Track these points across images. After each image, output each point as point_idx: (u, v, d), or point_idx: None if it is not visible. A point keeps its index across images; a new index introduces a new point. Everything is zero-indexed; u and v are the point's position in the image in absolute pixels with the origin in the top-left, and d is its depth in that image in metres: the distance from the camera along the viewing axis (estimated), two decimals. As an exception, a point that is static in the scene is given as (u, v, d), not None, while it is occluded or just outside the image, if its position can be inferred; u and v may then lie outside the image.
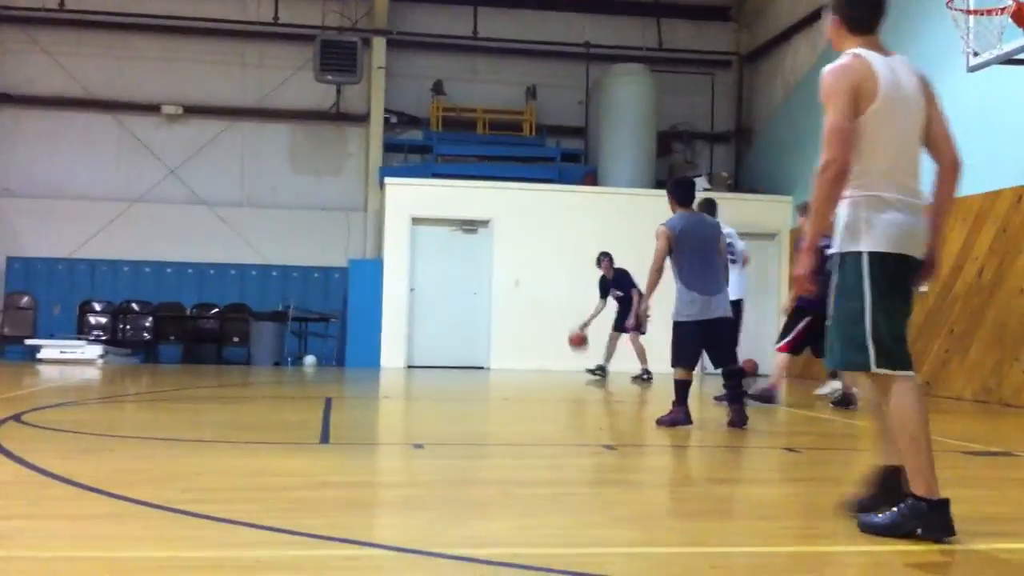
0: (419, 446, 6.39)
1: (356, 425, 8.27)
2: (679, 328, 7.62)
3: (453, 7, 18.27)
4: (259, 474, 5.22)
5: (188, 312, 16.56)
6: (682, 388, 7.59)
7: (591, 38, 18.43)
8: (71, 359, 14.75)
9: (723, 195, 16.47)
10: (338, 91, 17.66)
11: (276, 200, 17.58)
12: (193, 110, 17.49)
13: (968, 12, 8.75)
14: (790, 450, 6.83)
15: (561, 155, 17.80)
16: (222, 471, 5.35)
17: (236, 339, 16.14)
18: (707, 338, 7.62)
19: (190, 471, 5.29)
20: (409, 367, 15.23)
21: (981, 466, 6.14)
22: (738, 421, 7.54)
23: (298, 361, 15.87)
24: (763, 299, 15.31)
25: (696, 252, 7.65)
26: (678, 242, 7.60)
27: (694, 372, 7.75)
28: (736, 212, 15.42)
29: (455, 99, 18.25)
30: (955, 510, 3.71)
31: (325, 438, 6.84)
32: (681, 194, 7.89)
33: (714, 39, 19.15)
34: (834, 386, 10.01)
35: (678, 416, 7.51)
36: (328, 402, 9.37)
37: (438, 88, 18.02)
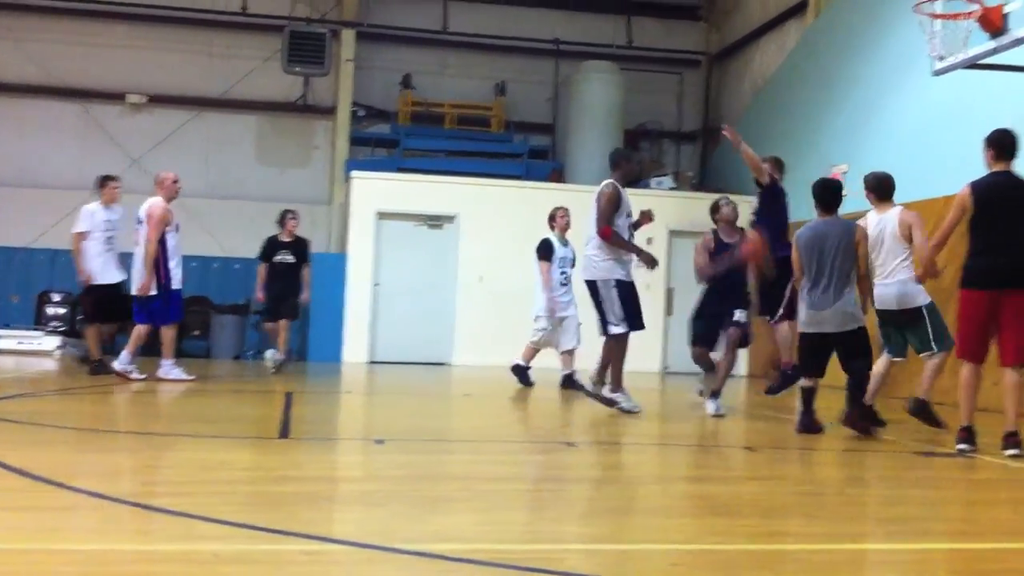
0: (380, 441, 6.36)
1: (317, 420, 8.22)
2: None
3: (423, 1, 18.20)
4: (218, 468, 5.17)
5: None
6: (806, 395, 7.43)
7: (561, 35, 18.43)
8: (28, 350, 14.55)
9: (688, 194, 16.57)
10: (306, 83, 17.53)
11: (241, 192, 17.43)
12: (159, 99, 17.29)
13: (935, 16, 8.81)
14: (749, 448, 6.86)
15: (529, 151, 17.77)
16: (180, 464, 5.30)
17: (196, 332, 15.98)
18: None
19: (148, 464, 5.23)
20: (372, 362, 15.15)
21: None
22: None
23: (259, 355, 15.73)
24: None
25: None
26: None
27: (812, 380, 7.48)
28: (700, 212, 15.48)
29: (424, 93, 18.18)
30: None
31: (285, 433, 6.80)
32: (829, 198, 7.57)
33: (683, 38, 19.20)
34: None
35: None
36: (289, 396, 9.31)
37: (407, 82, 17.94)
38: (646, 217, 9.10)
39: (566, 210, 11.06)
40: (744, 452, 6.83)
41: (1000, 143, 6.56)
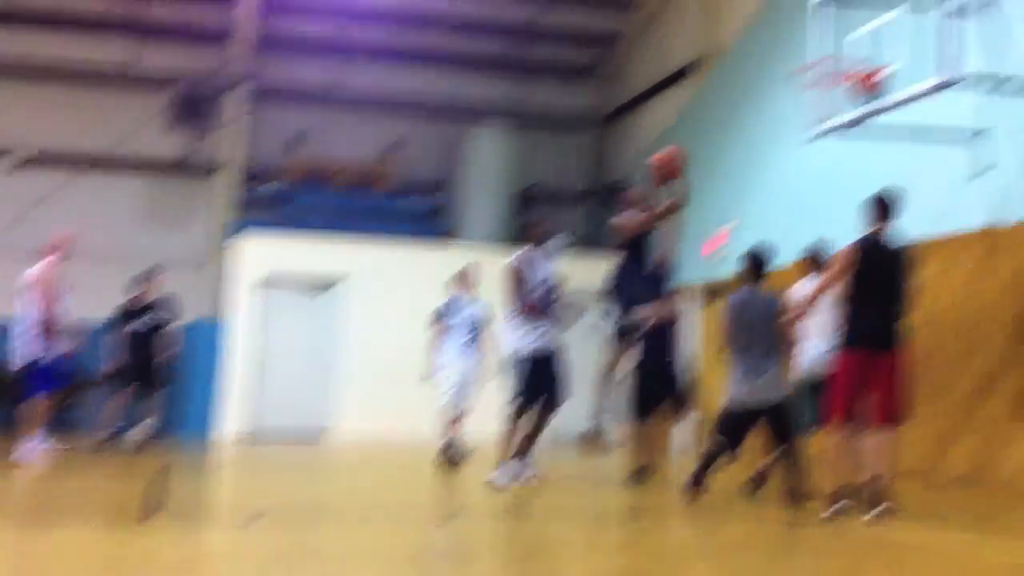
0: (258, 516, 6.09)
1: (190, 496, 7.88)
2: None
3: (317, 58, 18.08)
4: (85, 549, 4.86)
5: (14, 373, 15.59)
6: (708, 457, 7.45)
7: (455, 94, 18.49)
8: None
9: (579, 253, 16.64)
10: (194, 141, 17.20)
11: (123, 254, 16.89)
12: (39, 157, 16.76)
13: (813, 81, 9.05)
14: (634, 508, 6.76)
15: (422, 212, 17.69)
16: (40, 550, 4.97)
17: (71, 402, 15.31)
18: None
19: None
20: (251, 434, 14.66)
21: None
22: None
23: (131, 427, 15.14)
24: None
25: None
26: None
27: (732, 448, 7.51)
28: (593, 270, 15.55)
29: (315, 152, 18.00)
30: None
31: (155, 511, 6.47)
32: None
33: (575, 100, 19.44)
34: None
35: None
36: (160, 472, 8.92)
37: (298, 140, 17.75)
38: (573, 306, 8.60)
39: (474, 266, 10.71)
40: (625, 520, 6.74)
41: (876, 205, 6.72)
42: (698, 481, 7.27)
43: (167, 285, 12.18)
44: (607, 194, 18.96)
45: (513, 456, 8.16)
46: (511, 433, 8.19)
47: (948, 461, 9.24)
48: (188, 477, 9.18)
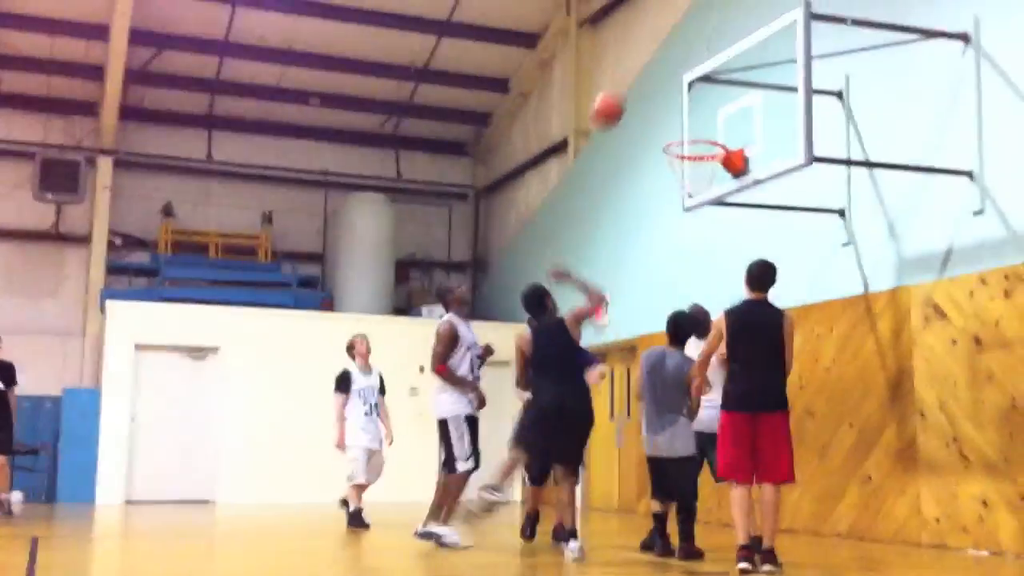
0: None
1: (67, 567, 7.57)
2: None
3: (186, 129, 17.91)
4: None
5: None
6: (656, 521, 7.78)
7: (330, 166, 18.53)
8: None
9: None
10: (59, 210, 16.76)
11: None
12: None
13: (682, 158, 9.41)
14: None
15: (298, 281, 17.57)
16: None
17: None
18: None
19: None
20: (128, 502, 14.22)
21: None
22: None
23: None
24: (499, 425, 15.35)
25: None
26: None
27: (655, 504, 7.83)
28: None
29: (186, 222, 17.74)
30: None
31: (30, 583, 6.22)
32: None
33: (451, 172, 19.73)
34: None
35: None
36: (35, 542, 8.56)
37: (168, 210, 17.47)
38: (487, 350, 8.59)
39: (364, 337, 10.57)
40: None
41: (753, 274, 7.02)
42: (665, 550, 7.62)
43: (20, 352, 11.67)
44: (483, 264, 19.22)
45: (445, 519, 8.08)
46: (456, 493, 8.12)
47: (834, 517, 9.59)
48: (67, 546, 8.81)
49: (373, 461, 10.21)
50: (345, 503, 10.27)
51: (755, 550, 6.61)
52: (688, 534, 7.52)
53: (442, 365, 8.10)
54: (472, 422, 8.14)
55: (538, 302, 8.19)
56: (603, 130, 9.25)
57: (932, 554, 8.18)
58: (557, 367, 7.76)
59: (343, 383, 10.31)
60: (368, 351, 10.49)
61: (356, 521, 9.99)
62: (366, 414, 10.23)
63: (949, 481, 8.42)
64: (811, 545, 8.66)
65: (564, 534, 7.65)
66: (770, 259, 7.13)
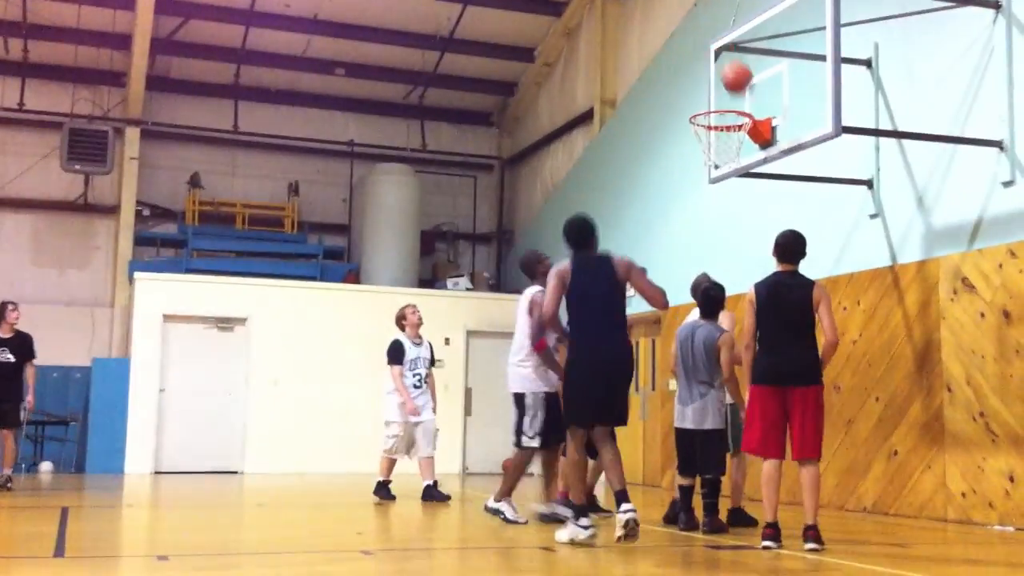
0: (163, 558, 5.98)
1: (95, 536, 7.67)
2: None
3: (213, 99, 17.93)
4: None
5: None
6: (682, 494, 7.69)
7: (355, 136, 18.51)
8: None
9: (484, 295, 16.78)
10: (87, 181, 16.86)
11: (14, 294, 16.41)
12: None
13: (709, 128, 9.33)
14: (547, 549, 6.83)
15: (323, 252, 17.62)
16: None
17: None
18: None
19: None
20: (157, 472, 14.39)
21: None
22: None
23: (33, 467, 14.71)
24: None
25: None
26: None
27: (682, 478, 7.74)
28: (496, 312, 15.70)
29: (213, 192, 17.80)
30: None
31: (60, 551, 6.30)
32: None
33: (476, 143, 19.66)
34: None
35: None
36: (65, 512, 8.68)
37: (195, 181, 17.52)
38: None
39: (415, 307, 10.33)
40: (542, 552, 6.80)
41: (781, 244, 6.91)
42: (690, 524, 7.55)
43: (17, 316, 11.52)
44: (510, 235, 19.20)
45: (506, 495, 8.01)
46: (518, 469, 8.02)
47: (859, 492, 9.55)
48: (97, 515, 8.93)
49: (422, 431, 9.99)
50: (433, 490, 9.92)
51: (779, 529, 6.58)
52: (713, 508, 7.51)
53: (543, 341, 7.65)
54: (551, 400, 7.82)
55: (589, 233, 7.05)
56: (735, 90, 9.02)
57: (957, 529, 8.14)
58: (600, 311, 6.81)
59: (396, 354, 10.03)
60: (420, 321, 10.25)
61: (382, 491, 9.95)
62: (415, 386, 10.02)
63: (975, 456, 8.35)
64: (836, 519, 8.63)
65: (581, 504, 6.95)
66: (797, 231, 7.00)
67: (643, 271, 7.12)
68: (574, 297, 6.84)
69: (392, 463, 10.13)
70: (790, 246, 6.89)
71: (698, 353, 7.64)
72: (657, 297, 6.94)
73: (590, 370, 6.77)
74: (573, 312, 6.90)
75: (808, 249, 7.01)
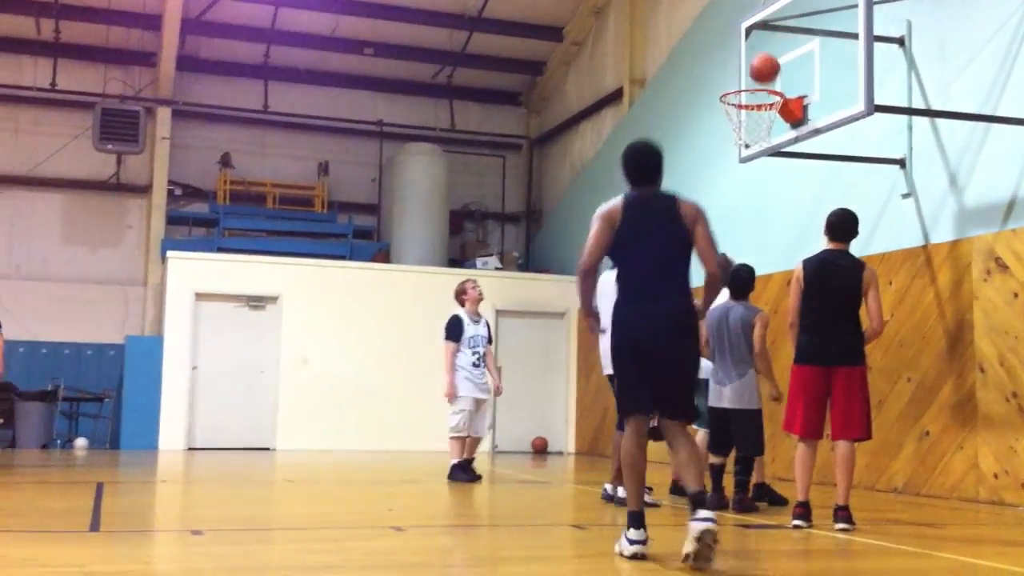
0: (198, 532, 6.06)
1: (130, 511, 7.79)
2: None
3: (243, 80, 18.00)
4: (20, 564, 4.81)
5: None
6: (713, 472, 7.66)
7: (384, 116, 18.54)
8: None
9: (513, 275, 16.80)
10: (119, 161, 17.00)
11: (47, 273, 16.64)
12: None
13: (739, 107, 9.28)
14: (578, 527, 6.88)
15: (353, 232, 17.70)
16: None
17: (0, 420, 15.08)
18: None
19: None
20: (190, 449, 14.56)
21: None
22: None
23: (68, 443, 14.93)
24: (552, 377, 15.51)
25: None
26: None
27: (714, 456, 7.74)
28: (525, 292, 15.72)
29: (244, 172, 17.90)
30: None
31: (96, 525, 6.40)
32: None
33: (505, 122, 19.65)
34: None
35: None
36: (100, 487, 8.81)
37: (226, 160, 17.63)
38: None
39: (475, 282, 9.91)
40: (572, 530, 6.84)
41: (832, 222, 6.82)
42: (718, 503, 7.33)
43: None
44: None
45: (614, 478, 7.87)
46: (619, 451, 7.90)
47: (890, 472, 9.53)
48: (132, 491, 9.06)
49: (481, 412, 9.81)
50: (461, 470, 9.63)
51: (810, 508, 6.58)
52: (744, 485, 7.53)
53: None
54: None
55: (654, 163, 5.68)
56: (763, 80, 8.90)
57: (989, 510, 8.10)
58: (656, 261, 5.30)
59: (455, 330, 9.64)
60: (480, 297, 9.87)
61: (459, 474, 9.53)
62: (475, 364, 9.68)
63: (1008, 436, 8.31)
64: (866, 500, 8.61)
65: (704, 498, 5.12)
66: (848, 209, 6.87)
67: (709, 227, 5.54)
68: (624, 240, 5.27)
69: (463, 443, 9.71)
70: (841, 224, 6.78)
71: (735, 333, 7.61)
72: (715, 261, 5.40)
73: (630, 343, 5.18)
74: (620, 262, 5.35)
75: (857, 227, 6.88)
